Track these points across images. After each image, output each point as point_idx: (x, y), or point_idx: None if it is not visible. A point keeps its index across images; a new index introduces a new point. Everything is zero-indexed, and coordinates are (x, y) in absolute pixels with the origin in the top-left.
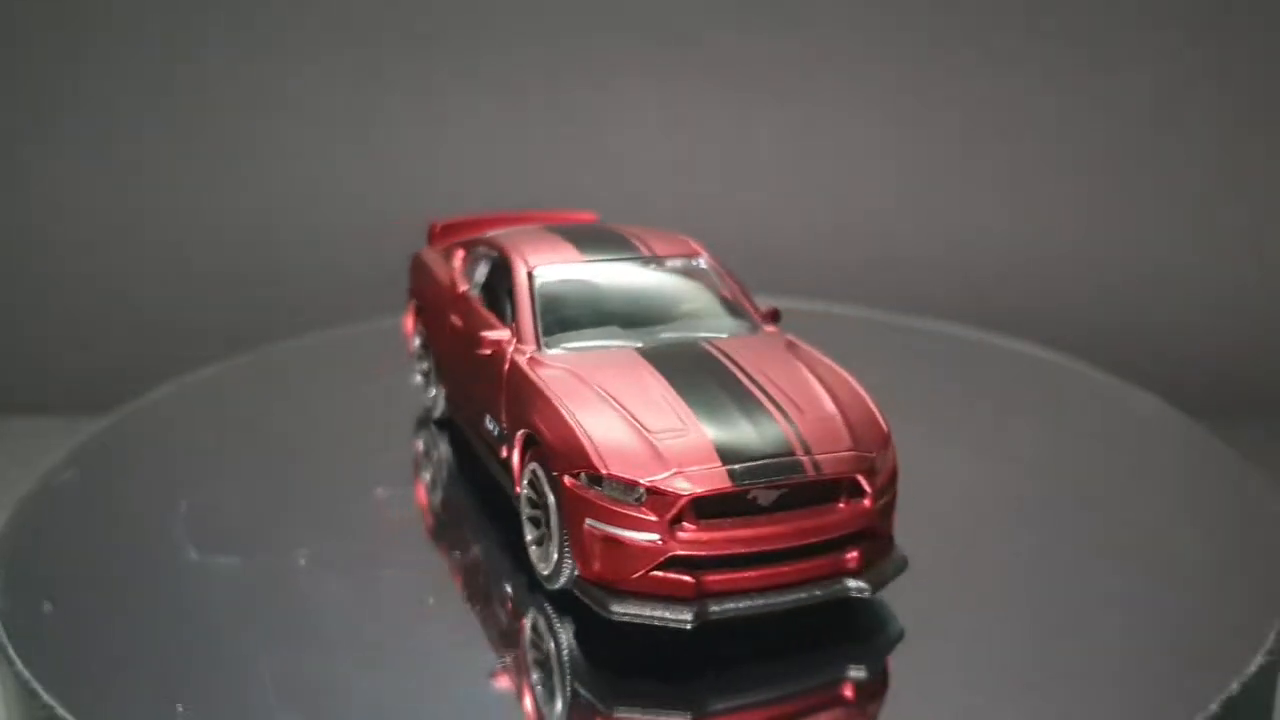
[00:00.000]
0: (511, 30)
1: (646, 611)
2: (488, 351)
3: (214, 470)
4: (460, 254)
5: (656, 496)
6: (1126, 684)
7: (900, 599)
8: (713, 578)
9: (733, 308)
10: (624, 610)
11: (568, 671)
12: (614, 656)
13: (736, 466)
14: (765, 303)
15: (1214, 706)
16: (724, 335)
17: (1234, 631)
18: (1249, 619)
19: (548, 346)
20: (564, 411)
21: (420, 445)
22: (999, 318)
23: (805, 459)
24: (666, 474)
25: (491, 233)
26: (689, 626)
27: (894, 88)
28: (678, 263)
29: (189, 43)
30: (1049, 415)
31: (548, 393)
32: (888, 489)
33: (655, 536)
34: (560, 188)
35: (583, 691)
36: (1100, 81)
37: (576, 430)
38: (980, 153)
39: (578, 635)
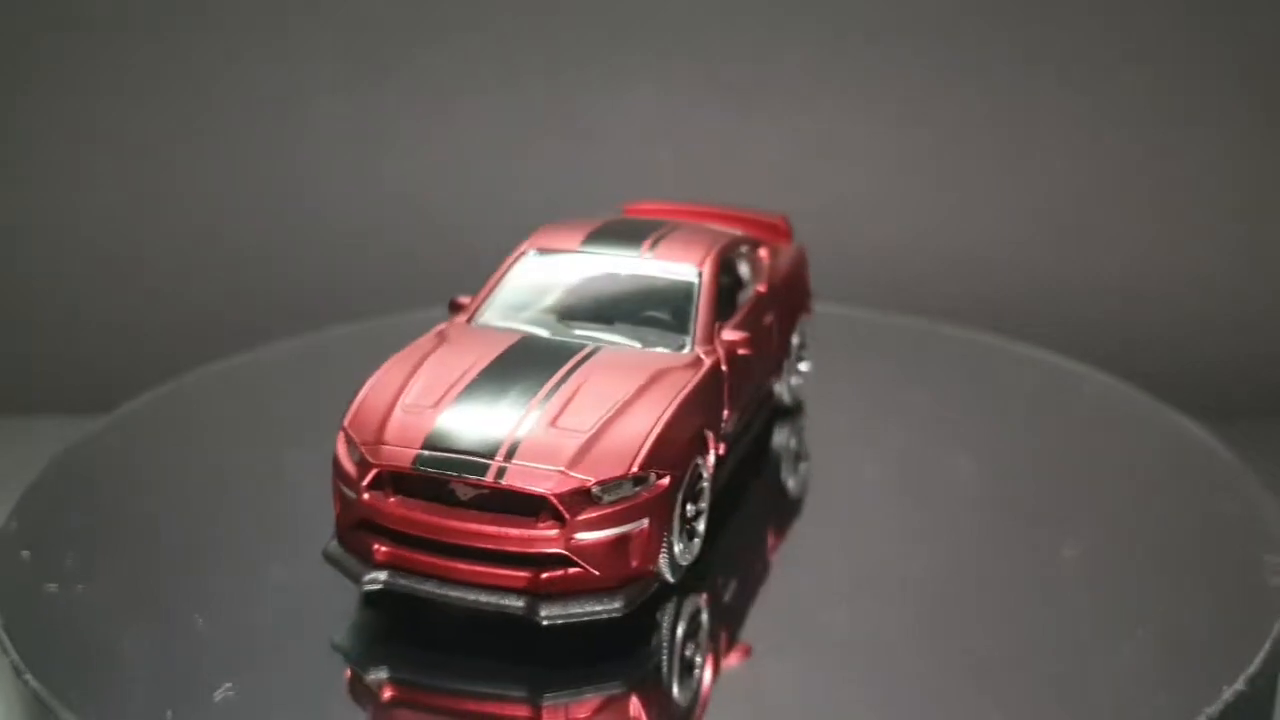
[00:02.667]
0: (511, 28)
1: (340, 563)
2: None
3: (216, 469)
4: None
5: (362, 461)
6: (1126, 685)
7: (896, 602)
8: (385, 549)
9: (682, 324)
10: (329, 555)
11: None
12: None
13: (425, 453)
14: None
15: (1214, 707)
16: (636, 346)
17: (1234, 631)
18: (1249, 619)
19: (472, 321)
20: (377, 371)
21: None
22: (1000, 318)
23: (495, 464)
24: (375, 444)
25: None
26: (364, 588)
27: (901, 90)
28: (664, 268)
29: (190, 38)
30: (1046, 416)
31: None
32: (610, 524)
33: (353, 496)
34: (566, 190)
35: (337, 642)
36: (1107, 83)
37: (362, 388)
38: (981, 154)
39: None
